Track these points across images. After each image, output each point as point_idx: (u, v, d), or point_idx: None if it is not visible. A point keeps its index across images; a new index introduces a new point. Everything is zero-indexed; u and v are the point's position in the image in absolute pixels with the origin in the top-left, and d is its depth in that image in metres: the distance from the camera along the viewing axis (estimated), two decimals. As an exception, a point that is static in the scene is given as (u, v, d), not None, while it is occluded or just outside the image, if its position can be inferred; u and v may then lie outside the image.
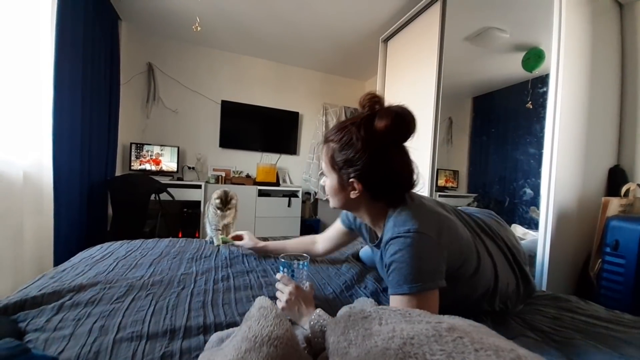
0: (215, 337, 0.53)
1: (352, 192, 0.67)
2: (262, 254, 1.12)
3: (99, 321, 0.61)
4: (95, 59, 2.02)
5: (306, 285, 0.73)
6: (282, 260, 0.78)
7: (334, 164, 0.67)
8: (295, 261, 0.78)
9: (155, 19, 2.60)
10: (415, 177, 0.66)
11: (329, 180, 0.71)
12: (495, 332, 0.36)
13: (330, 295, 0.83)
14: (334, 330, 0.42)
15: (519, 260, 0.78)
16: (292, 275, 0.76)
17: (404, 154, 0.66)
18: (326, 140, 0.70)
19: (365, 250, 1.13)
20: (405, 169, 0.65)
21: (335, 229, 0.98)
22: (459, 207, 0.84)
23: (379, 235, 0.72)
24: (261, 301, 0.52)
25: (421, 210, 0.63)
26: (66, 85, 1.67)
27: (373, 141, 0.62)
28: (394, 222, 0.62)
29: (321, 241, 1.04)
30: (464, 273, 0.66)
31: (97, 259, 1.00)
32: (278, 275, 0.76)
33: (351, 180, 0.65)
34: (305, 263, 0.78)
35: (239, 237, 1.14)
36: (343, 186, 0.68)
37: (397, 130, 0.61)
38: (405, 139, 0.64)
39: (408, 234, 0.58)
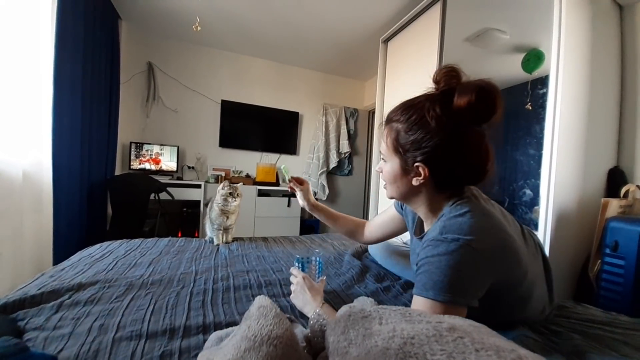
0: (214, 336, 0.53)
1: (415, 179, 0.60)
2: (312, 211, 1.05)
3: (98, 320, 0.61)
4: (95, 58, 2.02)
5: (318, 279, 0.79)
6: (297, 256, 0.88)
7: (397, 147, 0.60)
8: (310, 257, 0.89)
9: (156, 18, 2.60)
10: (489, 166, 0.57)
11: (389, 165, 0.63)
12: (495, 333, 0.36)
13: (330, 295, 0.83)
14: (334, 330, 0.42)
15: (553, 287, 0.71)
16: (303, 270, 0.85)
17: (483, 137, 0.57)
18: (389, 121, 0.63)
19: (376, 249, 1.12)
20: (481, 154, 0.57)
21: (388, 215, 0.90)
22: None
23: (425, 229, 0.67)
24: (260, 300, 0.52)
25: (485, 223, 0.55)
26: (66, 85, 1.67)
27: (450, 120, 0.54)
28: (445, 223, 0.55)
29: (369, 227, 0.97)
30: (505, 297, 0.60)
31: (97, 258, 1.00)
32: (291, 269, 0.83)
33: (417, 164, 0.58)
34: (319, 259, 0.88)
35: (301, 181, 1.06)
36: (406, 171, 0.60)
37: (480, 107, 0.53)
38: (488, 119, 0.55)
39: (456, 242, 0.51)
